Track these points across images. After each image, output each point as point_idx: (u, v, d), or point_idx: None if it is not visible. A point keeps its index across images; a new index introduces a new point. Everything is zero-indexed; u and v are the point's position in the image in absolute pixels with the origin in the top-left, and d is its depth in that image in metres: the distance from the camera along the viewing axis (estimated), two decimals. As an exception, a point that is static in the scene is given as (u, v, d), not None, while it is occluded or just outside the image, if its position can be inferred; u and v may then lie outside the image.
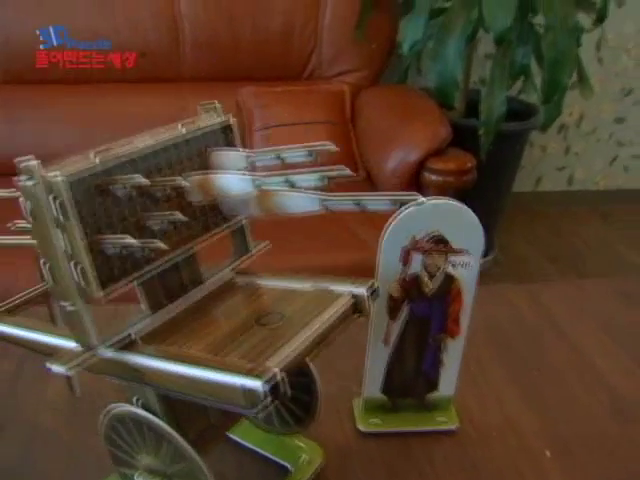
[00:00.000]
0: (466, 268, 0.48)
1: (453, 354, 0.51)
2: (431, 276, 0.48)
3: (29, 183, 0.31)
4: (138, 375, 0.35)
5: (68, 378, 0.51)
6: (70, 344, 0.36)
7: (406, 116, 1.80)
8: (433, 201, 0.44)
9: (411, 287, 0.48)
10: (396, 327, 0.49)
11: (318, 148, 0.36)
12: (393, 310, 0.48)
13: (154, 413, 0.37)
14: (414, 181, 1.71)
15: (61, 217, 0.32)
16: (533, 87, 1.80)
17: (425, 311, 0.49)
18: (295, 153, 0.37)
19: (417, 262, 0.47)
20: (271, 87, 1.93)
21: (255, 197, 0.38)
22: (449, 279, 0.48)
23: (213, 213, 0.41)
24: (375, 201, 0.36)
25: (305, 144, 0.36)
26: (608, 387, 0.58)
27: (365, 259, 1.52)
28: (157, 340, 0.36)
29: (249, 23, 1.91)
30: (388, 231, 0.45)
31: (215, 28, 1.90)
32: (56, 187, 0.31)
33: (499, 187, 2.11)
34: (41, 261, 0.34)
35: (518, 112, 1.95)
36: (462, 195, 1.69)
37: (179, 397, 0.34)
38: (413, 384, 0.52)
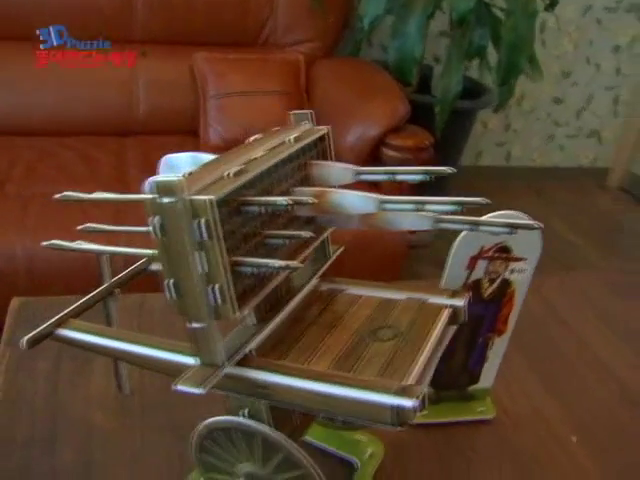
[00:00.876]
0: (522, 273, 0.50)
1: (497, 351, 0.54)
2: (491, 281, 0.50)
3: (168, 200, 0.31)
4: (265, 392, 0.35)
5: (117, 375, 0.51)
6: (186, 360, 0.36)
7: (364, 91, 1.82)
8: (503, 213, 0.47)
9: (472, 291, 0.50)
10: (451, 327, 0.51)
11: (435, 170, 0.37)
12: (452, 320, 0.51)
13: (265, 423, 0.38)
14: (371, 157, 1.74)
15: (205, 237, 0.31)
16: (487, 68, 1.86)
17: (480, 312, 0.51)
18: (410, 175, 0.38)
19: (481, 269, 0.49)
20: (225, 53, 1.89)
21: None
22: (505, 283, 0.51)
23: (309, 224, 0.41)
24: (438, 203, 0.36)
25: (423, 167, 0.37)
26: (615, 377, 0.63)
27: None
28: (275, 355, 0.37)
29: (204, -16, 1.85)
30: (459, 240, 0.47)
31: (168, -12, 1.84)
32: (203, 207, 0.31)
33: (447, 163, 2.17)
34: (169, 281, 0.33)
35: (468, 90, 2.00)
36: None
37: (305, 412, 0.35)
38: (458, 378, 0.55)
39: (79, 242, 0.42)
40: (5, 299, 0.63)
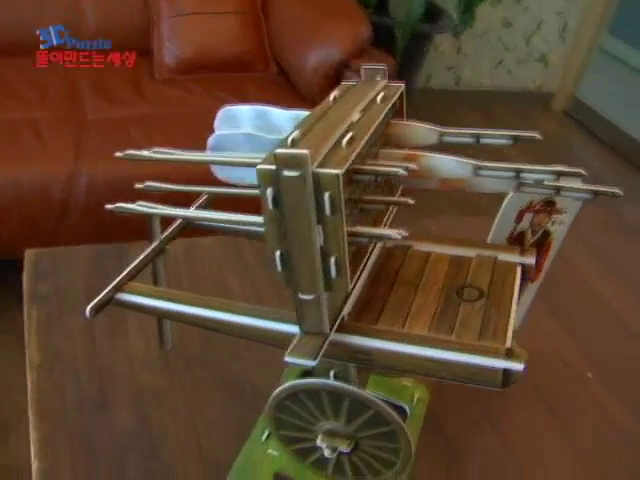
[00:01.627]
0: (561, 225, 0.52)
1: (528, 296, 0.56)
2: (534, 232, 0.51)
3: (291, 174, 0.30)
4: (367, 358, 0.36)
5: (160, 331, 0.50)
6: (288, 328, 0.36)
7: (326, 12, 1.76)
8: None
9: (515, 242, 0.51)
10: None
11: (522, 134, 0.37)
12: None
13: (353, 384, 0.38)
14: (335, 80, 1.71)
15: (328, 212, 0.30)
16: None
17: (520, 261, 0.53)
18: (496, 139, 0.37)
19: (527, 221, 0.50)
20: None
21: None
22: (546, 234, 0.52)
23: (386, 184, 0.41)
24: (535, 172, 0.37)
25: (509, 132, 0.37)
26: (617, 316, 0.67)
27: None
28: (367, 319, 0.37)
29: None
30: (511, 195, 0.48)
31: None
32: (330, 181, 0.30)
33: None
34: (278, 252, 0.32)
35: (425, 13, 1.97)
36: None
37: (405, 374, 0.36)
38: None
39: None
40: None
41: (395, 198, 0.35)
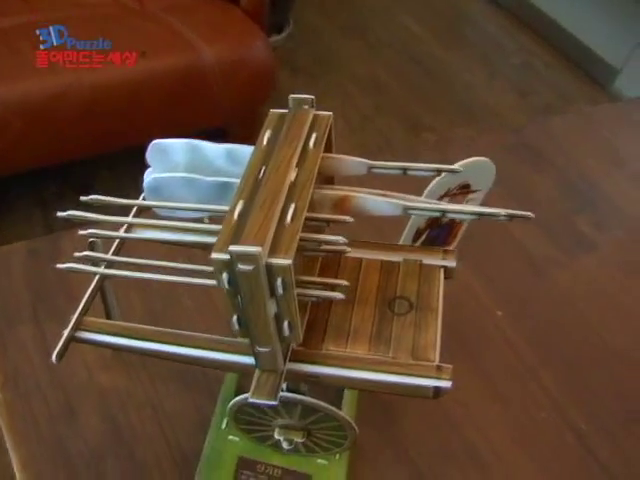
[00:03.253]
0: (475, 201, 0.57)
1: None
2: (450, 211, 0.56)
3: (247, 268, 0.32)
4: (315, 380, 0.41)
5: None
6: (245, 360, 0.40)
7: None
8: (470, 161, 0.51)
9: (433, 222, 0.56)
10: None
11: (447, 168, 0.41)
12: (416, 238, 0.57)
13: (302, 393, 0.44)
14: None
15: (281, 292, 0.34)
16: None
17: (436, 234, 0.58)
18: (423, 171, 0.41)
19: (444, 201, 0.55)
20: None
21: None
22: (460, 211, 0.57)
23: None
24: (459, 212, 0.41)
25: (435, 165, 0.40)
26: (518, 243, 0.75)
27: (193, 59, 1.50)
28: (314, 342, 0.42)
29: None
30: (431, 185, 0.52)
31: None
32: (281, 270, 0.33)
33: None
34: (235, 317, 0.36)
35: None
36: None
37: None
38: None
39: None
40: None
41: (332, 247, 0.38)
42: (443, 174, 0.47)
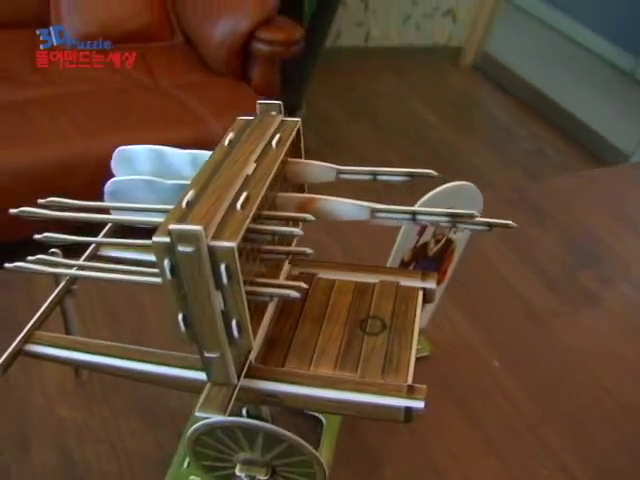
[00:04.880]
0: (463, 232, 0.54)
1: (436, 296, 0.59)
2: (437, 241, 0.54)
3: (185, 249, 0.30)
4: (275, 400, 0.37)
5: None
6: (199, 375, 0.37)
7: (232, -21, 1.71)
8: (453, 185, 0.49)
9: (419, 252, 0.53)
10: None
11: (418, 172, 0.38)
12: (402, 270, 0.54)
13: (264, 420, 0.40)
14: (242, 51, 1.68)
15: (225, 280, 0.31)
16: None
17: (424, 267, 0.55)
18: (393, 176, 0.39)
19: (429, 232, 0.52)
20: None
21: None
22: (448, 242, 0.54)
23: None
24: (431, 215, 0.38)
25: (407, 170, 0.38)
26: (518, 295, 0.72)
27: (203, 133, 1.53)
28: (275, 360, 0.38)
29: None
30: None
31: None
32: (225, 254, 0.30)
33: (312, 46, 2.15)
34: (179, 315, 0.33)
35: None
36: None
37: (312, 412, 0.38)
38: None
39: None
40: None
41: (294, 248, 0.36)
42: (429, 195, 0.46)
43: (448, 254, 0.55)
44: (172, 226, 0.30)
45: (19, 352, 0.40)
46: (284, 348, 0.39)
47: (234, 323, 0.33)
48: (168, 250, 0.30)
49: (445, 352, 0.63)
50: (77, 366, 0.42)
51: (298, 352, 0.39)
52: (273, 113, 0.41)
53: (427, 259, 0.54)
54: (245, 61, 1.71)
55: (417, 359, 0.60)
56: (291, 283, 0.34)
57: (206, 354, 0.34)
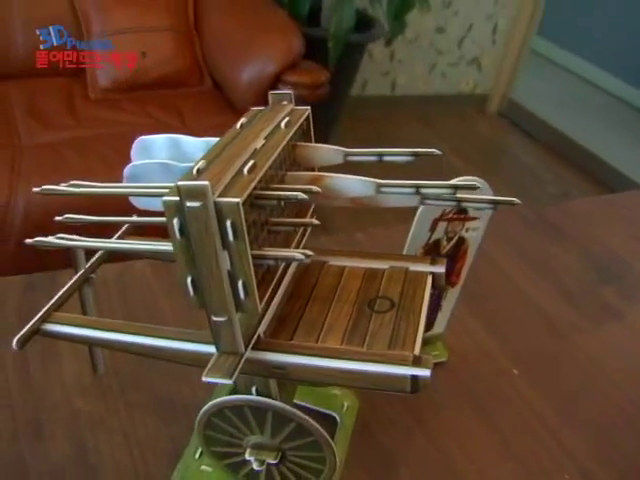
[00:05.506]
0: (475, 231, 0.55)
1: (450, 300, 0.59)
2: (449, 239, 0.54)
3: (193, 205, 0.31)
4: (282, 373, 0.37)
5: (92, 357, 0.51)
6: (204, 348, 0.37)
7: (258, 27, 1.78)
8: (462, 178, 0.50)
9: (431, 250, 0.54)
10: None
11: (422, 151, 0.39)
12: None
13: (274, 398, 0.40)
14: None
15: (231, 238, 0.32)
16: (378, 2, 1.86)
17: (437, 268, 0.56)
18: (398, 156, 0.40)
19: (441, 229, 0.53)
20: (111, -13, 1.77)
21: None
22: (461, 240, 0.55)
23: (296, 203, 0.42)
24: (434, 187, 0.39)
25: (412, 149, 0.39)
26: (541, 311, 0.71)
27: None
28: (284, 335, 0.39)
29: None
30: (424, 206, 0.50)
31: None
32: (230, 210, 0.31)
33: (338, 94, 2.20)
34: (188, 278, 0.34)
35: (356, 23, 2.01)
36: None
37: (320, 385, 0.38)
38: (416, 327, 0.60)
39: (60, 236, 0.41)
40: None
41: (300, 220, 0.37)
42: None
43: (461, 254, 0.56)
44: (181, 182, 0.31)
45: (37, 331, 0.42)
46: (293, 324, 0.40)
47: (240, 284, 0.33)
48: (177, 209, 0.32)
49: (463, 359, 0.62)
50: (91, 344, 0.43)
51: (306, 328, 0.39)
52: (284, 102, 0.43)
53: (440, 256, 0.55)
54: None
55: (434, 364, 0.60)
56: (303, 221, 0.35)
57: (214, 318, 0.35)
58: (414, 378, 0.35)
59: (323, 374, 0.37)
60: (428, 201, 0.40)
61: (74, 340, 0.42)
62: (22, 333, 0.41)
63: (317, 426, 0.40)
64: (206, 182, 0.31)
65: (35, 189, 0.40)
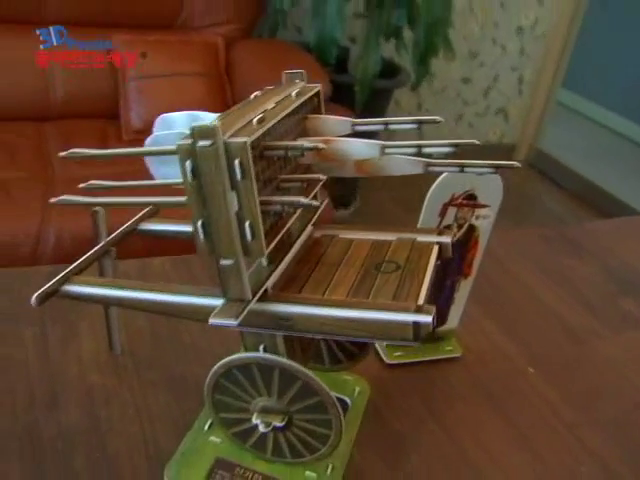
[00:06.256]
0: (486, 219, 0.56)
1: (463, 292, 0.59)
2: (459, 226, 0.55)
3: (204, 144, 0.33)
4: (288, 324, 0.38)
5: (109, 336, 0.52)
6: (212, 301, 0.39)
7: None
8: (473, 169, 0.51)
9: (443, 236, 0.55)
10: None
11: (425, 119, 0.41)
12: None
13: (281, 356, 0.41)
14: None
15: (239, 177, 0.34)
16: (404, 48, 1.93)
17: (447, 260, 0.56)
18: (403, 124, 0.41)
19: (451, 215, 0.54)
20: (144, 35, 1.86)
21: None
22: (471, 228, 0.56)
23: (306, 173, 0.44)
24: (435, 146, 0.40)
25: (416, 117, 0.41)
26: (557, 315, 0.71)
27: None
28: (291, 291, 0.40)
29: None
30: (433, 188, 0.52)
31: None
32: (239, 149, 0.33)
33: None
34: (199, 222, 0.36)
35: (383, 70, 2.07)
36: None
37: (325, 338, 0.39)
38: (429, 320, 0.60)
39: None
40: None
41: (308, 175, 0.39)
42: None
43: (472, 243, 0.57)
44: (194, 124, 0.33)
45: (56, 291, 0.43)
46: (301, 282, 0.41)
47: (247, 225, 0.35)
48: (190, 152, 0.34)
49: (479, 357, 0.62)
50: (107, 303, 0.45)
51: (314, 284, 0.41)
52: (297, 81, 0.45)
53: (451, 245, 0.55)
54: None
55: (449, 360, 0.61)
56: (310, 176, 0.37)
57: (222, 262, 0.36)
58: (416, 325, 0.36)
59: (327, 324, 0.38)
60: (432, 168, 0.42)
61: (90, 300, 0.43)
62: (41, 291, 0.42)
63: (323, 385, 0.40)
64: (216, 123, 0.33)
65: (52, 199, 0.42)
